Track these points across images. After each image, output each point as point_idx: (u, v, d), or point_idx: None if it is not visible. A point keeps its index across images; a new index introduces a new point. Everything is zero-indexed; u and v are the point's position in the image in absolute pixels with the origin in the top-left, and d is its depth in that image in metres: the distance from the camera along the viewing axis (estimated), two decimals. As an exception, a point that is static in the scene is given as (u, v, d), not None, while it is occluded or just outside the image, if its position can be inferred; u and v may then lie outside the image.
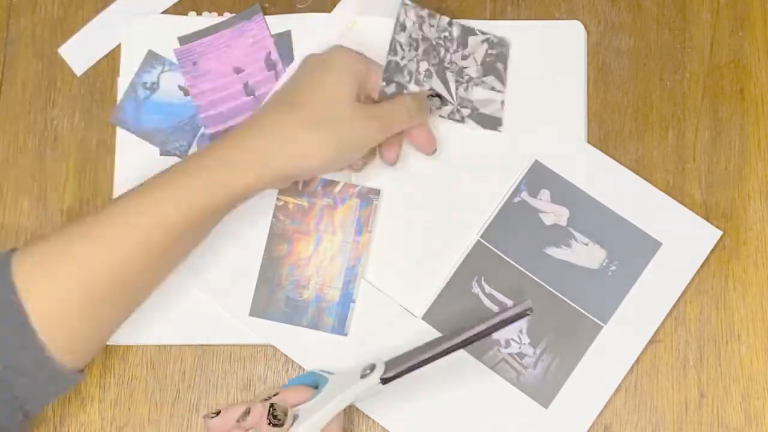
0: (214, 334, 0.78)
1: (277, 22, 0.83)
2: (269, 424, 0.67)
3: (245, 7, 0.83)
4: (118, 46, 0.83)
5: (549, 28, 0.82)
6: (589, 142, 0.80)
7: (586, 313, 0.76)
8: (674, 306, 0.77)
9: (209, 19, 0.83)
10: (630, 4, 0.83)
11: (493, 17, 0.83)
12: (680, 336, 0.77)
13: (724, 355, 0.77)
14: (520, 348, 0.76)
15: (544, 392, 0.76)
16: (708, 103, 0.81)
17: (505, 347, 0.76)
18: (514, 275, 0.77)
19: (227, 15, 0.83)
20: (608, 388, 0.76)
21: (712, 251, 0.78)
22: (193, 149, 0.81)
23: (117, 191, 0.80)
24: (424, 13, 0.81)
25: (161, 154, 0.81)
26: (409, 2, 0.80)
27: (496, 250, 0.78)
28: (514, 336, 0.76)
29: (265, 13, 0.83)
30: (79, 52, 0.84)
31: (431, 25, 0.81)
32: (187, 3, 0.84)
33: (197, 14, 0.84)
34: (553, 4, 0.83)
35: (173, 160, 0.81)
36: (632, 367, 0.77)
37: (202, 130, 0.81)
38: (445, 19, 0.81)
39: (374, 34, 0.80)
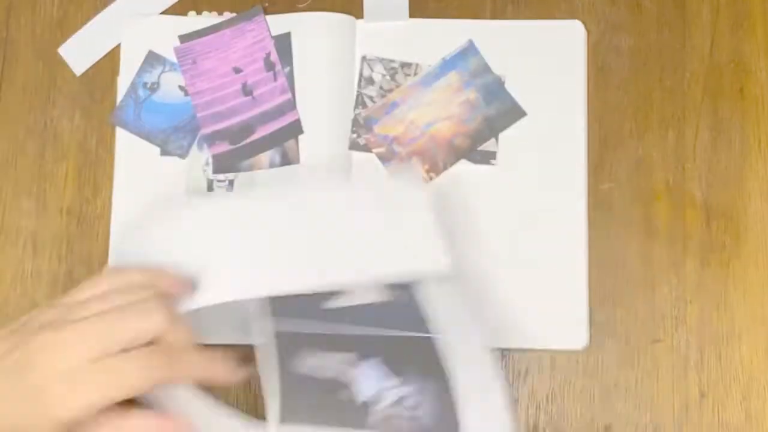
0: (215, 334, 0.78)
1: (277, 22, 0.83)
2: None
3: (245, 7, 0.83)
4: (118, 46, 0.83)
5: (549, 28, 0.82)
6: (589, 141, 0.80)
7: (413, 333, 0.71)
8: (674, 305, 0.78)
9: (209, 18, 0.83)
10: (630, 4, 0.83)
11: (493, 17, 0.83)
12: (680, 336, 0.78)
13: (724, 355, 0.77)
14: (396, 393, 0.69)
15: (447, 421, 0.68)
16: (708, 103, 0.81)
17: (379, 403, 0.68)
18: (326, 342, 0.71)
19: (227, 15, 0.83)
20: (496, 376, 0.69)
21: (713, 251, 0.78)
22: (194, 149, 0.81)
23: (117, 191, 0.80)
24: (396, 64, 0.81)
25: (162, 155, 0.81)
26: (374, 56, 0.80)
27: (295, 332, 0.71)
28: (377, 386, 0.69)
29: (265, 13, 0.83)
30: (79, 52, 0.83)
31: (407, 74, 0.81)
32: (187, 3, 0.84)
33: (197, 14, 0.84)
34: (553, 3, 0.83)
35: (174, 160, 0.81)
36: (632, 367, 0.77)
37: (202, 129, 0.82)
38: (424, 66, 0.81)
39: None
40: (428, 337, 0.71)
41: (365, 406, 0.68)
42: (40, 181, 0.81)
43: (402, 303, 0.71)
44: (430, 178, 0.80)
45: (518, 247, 0.79)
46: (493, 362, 0.69)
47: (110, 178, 0.81)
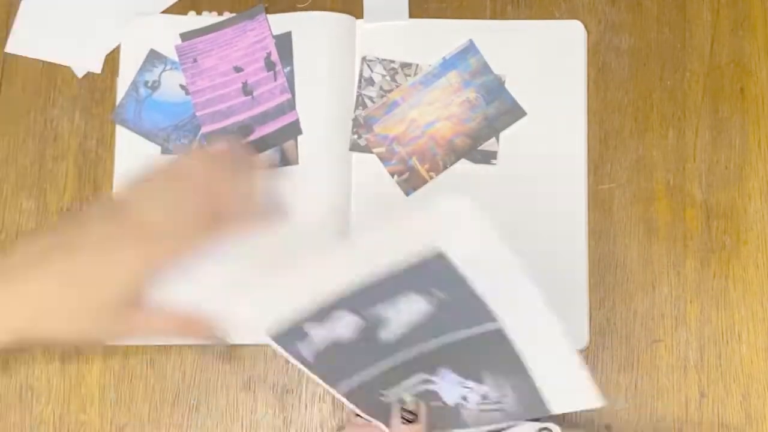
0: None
1: (277, 22, 0.83)
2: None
3: (245, 7, 0.83)
4: (118, 46, 0.83)
5: (549, 27, 0.82)
6: (589, 141, 0.80)
7: (475, 330, 0.66)
8: (674, 305, 0.78)
9: (209, 18, 0.83)
10: (630, 4, 0.83)
11: (493, 17, 0.83)
12: (680, 336, 0.78)
13: (724, 354, 0.77)
14: (477, 393, 0.69)
15: (533, 404, 0.69)
16: (708, 103, 0.81)
17: (466, 403, 0.70)
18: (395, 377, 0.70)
19: (227, 14, 0.83)
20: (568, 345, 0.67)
21: (713, 251, 0.78)
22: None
23: (117, 190, 0.80)
24: (396, 64, 0.81)
25: (163, 153, 0.81)
26: (374, 57, 0.80)
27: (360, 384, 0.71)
28: (458, 392, 0.70)
29: (266, 13, 0.83)
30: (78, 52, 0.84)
31: (407, 75, 0.81)
32: (187, 2, 0.84)
33: (197, 14, 0.84)
34: (553, 3, 0.83)
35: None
36: (632, 367, 0.77)
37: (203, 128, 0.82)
38: (424, 67, 0.81)
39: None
40: (491, 326, 0.66)
41: (457, 407, 0.70)
42: (40, 181, 0.81)
43: (459, 298, 0.65)
44: (430, 178, 0.80)
45: (518, 246, 0.79)
46: (561, 331, 0.65)
47: (110, 178, 0.81)
